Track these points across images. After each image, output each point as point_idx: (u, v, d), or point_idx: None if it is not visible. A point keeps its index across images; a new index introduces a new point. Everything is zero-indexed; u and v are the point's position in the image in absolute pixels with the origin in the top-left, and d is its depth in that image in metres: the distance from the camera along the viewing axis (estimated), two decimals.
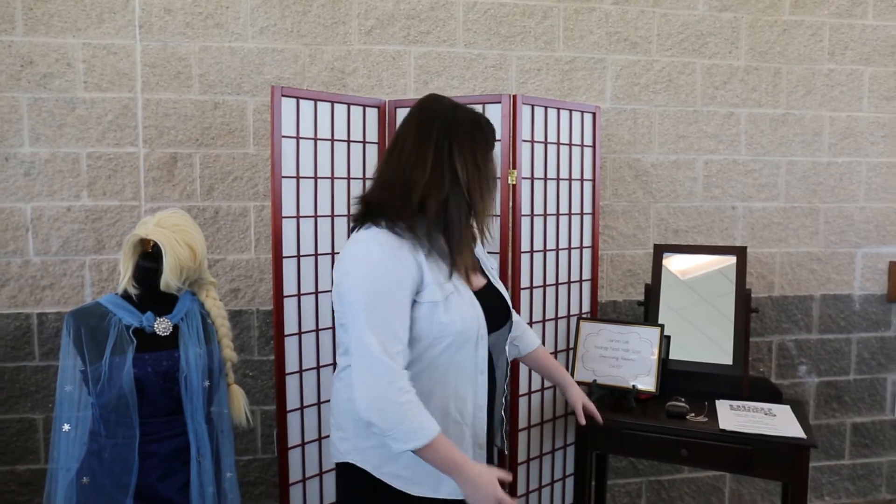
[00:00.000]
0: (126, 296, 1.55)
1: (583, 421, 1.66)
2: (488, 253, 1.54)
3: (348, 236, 1.99)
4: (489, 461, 1.40)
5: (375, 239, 1.23)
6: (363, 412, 1.18)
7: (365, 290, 1.20)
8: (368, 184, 1.37)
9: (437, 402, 1.27)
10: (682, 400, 1.92)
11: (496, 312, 1.37)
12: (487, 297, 1.36)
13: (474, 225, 1.32)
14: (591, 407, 1.67)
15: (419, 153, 1.24)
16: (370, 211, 1.27)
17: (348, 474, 1.32)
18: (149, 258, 1.54)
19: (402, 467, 1.27)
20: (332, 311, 1.70)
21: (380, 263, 1.20)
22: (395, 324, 1.20)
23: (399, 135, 1.30)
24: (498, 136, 1.90)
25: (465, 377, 1.30)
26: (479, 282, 1.38)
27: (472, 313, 1.29)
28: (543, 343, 2.06)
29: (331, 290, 1.95)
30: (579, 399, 1.67)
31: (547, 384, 2.09)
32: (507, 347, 1.44)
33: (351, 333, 1.23)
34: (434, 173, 1.24)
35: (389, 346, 1.18)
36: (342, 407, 1.33)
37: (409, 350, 1.23)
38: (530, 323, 2.03)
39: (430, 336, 1.24)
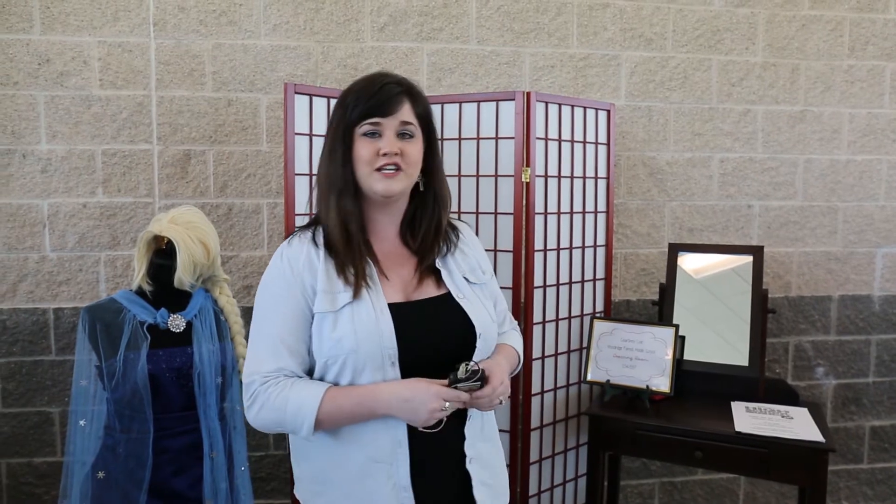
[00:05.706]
0: (140, 292, 1.56)
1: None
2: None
3: None
4: None
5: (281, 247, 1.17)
6: (253, 425, 1.14)
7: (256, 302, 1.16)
8: None
9: (351, 435, 1.10)
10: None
11: (435, 334, 1.11)
12: (424, 314, 1.12)
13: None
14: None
15: None
16: None
17: None
18: (162, 255, 1.55)
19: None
20: None
21: (268, 270, 1.16)
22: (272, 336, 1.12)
23: None
24: (512, 134, 1.90)
25: None
26: (425, 292, 1.14)
27: (374, 329, 1.06)
28: (556, 343, 2.06)
29: None
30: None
31: (560, 383, 2.08)
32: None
33: None
34: None
35: (258, 365, 1.12)
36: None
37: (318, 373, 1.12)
38: (542, 322, 2.01)
39: (322, 355, 1.09)
